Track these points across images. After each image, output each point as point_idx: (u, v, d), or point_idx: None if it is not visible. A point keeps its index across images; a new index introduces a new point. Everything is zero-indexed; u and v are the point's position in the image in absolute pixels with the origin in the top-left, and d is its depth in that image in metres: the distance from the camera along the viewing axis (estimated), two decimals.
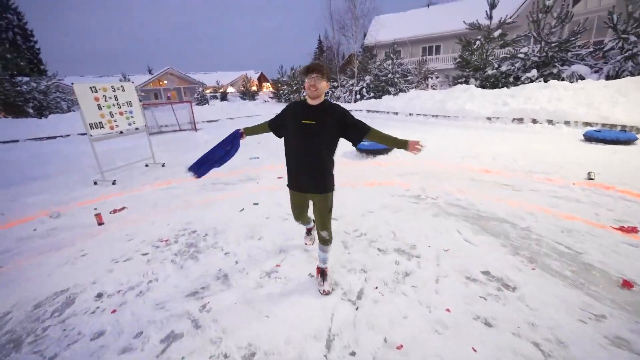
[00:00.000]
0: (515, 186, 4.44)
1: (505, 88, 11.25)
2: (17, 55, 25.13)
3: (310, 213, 2.49)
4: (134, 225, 3.76)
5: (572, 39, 11.38)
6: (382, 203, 4.03)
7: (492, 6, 13.91)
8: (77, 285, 2.60)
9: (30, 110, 16.78)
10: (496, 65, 13.08)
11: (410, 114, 13.04)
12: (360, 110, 15.92)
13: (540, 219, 3.39)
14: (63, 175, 6.39)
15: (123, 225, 3.78)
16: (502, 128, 9.30)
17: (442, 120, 11.41)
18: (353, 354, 1.83)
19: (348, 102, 19.37)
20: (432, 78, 18.26)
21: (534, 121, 9.04)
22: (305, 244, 3.05)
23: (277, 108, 17.50)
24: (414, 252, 2.87)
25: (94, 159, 5.68)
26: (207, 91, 33.67)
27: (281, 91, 25.67)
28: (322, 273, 2.42)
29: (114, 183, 5.53)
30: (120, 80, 21.93)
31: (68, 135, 12.91)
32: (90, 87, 5.41)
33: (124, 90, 6.06)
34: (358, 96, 19.19)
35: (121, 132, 6.01)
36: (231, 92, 39.06)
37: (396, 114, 13.78)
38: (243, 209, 4.08)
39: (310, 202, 2.38)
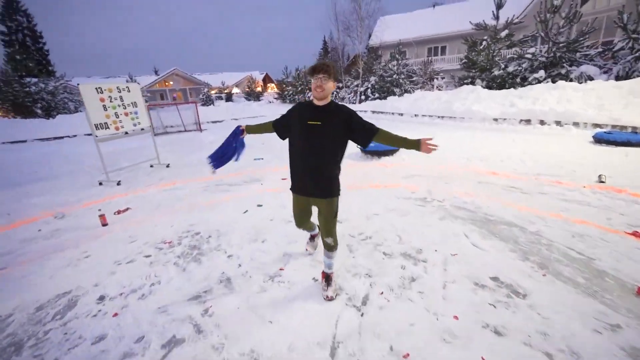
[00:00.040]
0: (523, 189, 4.35)
1: (512, 89, 11.12)
2: (26, 56, 25.54)
3: (315, 219, 2.43)
4: (137, 227, 3.75)
5: (581, 39, 11.21)
6: (388, 206, 3.97)
7: (499, 6, 13.78)
8: (79, 288, 2.58)
9: (39, 111, 17.00)
10: (503, 66, 12.95)
11: (415, 115, 12.94)
12: (365, 111, 15.85)
13: (551, 223, 3.31)
14: (69, 175, 6.43)
15: (127, 227, 3.77)
16: (509, 129, 9.17)
17: (448, 122, 11.30)
18: None
19: (353, 103, 19.32)
20: (437, 79, 18.13)
21: (542, 122, 8.90)
22: (306, 249, 2.94)
23: (281, 109, 17.49)
24: (421, 256, 2.81)
25: (99, 160, 5.70)
26: (213, 92, 33.83)
27: (286, 92, 25.72)
28: (327, 278, 2.37)
29: (118, 184, 5.54)
30: (127, 81, 22.13)
31: (75, 136, 13.04)
32: (96, 88, 5.43)
33: (129, 91, 6.07)
34: (363, 97, 19.12)
35: (126, 133, 6.02)
36: (236, 93, 39.21)
37: (401, 115, 13.69)
38: (247, 210, 4.05)
39: (314, 208, 2.31)
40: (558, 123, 8.57)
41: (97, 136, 5.41)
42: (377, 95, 18.27)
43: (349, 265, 2.71)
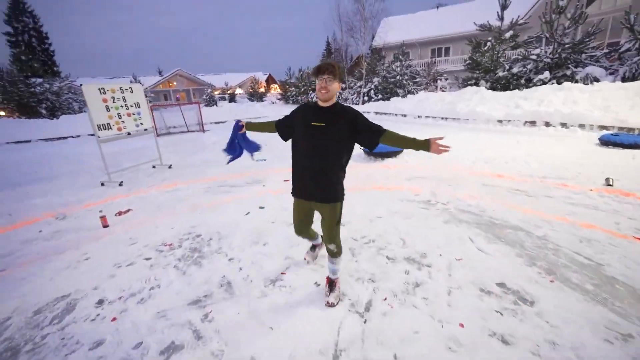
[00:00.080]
0: (529, 192, 4.28)
1: (517, 90, 11.01)
2: (32, 57, 25.75)
3: (317, 227, 2.35)
4: (138, 228, 3.72)
5: (587, 40, 11.08)
6: (391, 208, 3.91)
7: (504, 7, 13.69)
8: (78, 291, 2.55)
9: (43, 111, 17.11)
10: (507, 67, 12.83)
11: (419, 116, 12.87)
12: (368, 112, 15.79)
13: (557, 227, 3.24)
14: (71, 176, 6.43)
15: (128, 228, 3.74)
16: (514, 131, 9.08)
17: (452, 123, 11.21)
18: None
19: (356, 104, 19.26)
20: (441, 80, 18.03)
21: (547, 124, 8.81)
22: (305, 259, 2.79)
23: (285, 109, 17.46)
24: (425, 261, 2.75)
25: (102, 160, 5.69)
26: (216, 92, 33.93)
27: (289, 93, 25.72)
28: (330, 284, 2.31)
29: (120, 184, 5.53)
30: (131, 82, 22.20)
31: (78, 136, 13.10)
32: (99, 89, 5.43)
33: (132, 91, 6.06)
34: (366, 98, 19.05)
35: (129, 134, 6.01)
36: (239, 94, 39.31)
37: (405, 116, 13.63)
38: (248, 212, 4.01)
39: (317, 217, 2.23)
40: (564, 125, 8.47)
41: (99, 137, 5.40)
42: (380, 96, 18.19)
43: (351, 270, 2.66)
